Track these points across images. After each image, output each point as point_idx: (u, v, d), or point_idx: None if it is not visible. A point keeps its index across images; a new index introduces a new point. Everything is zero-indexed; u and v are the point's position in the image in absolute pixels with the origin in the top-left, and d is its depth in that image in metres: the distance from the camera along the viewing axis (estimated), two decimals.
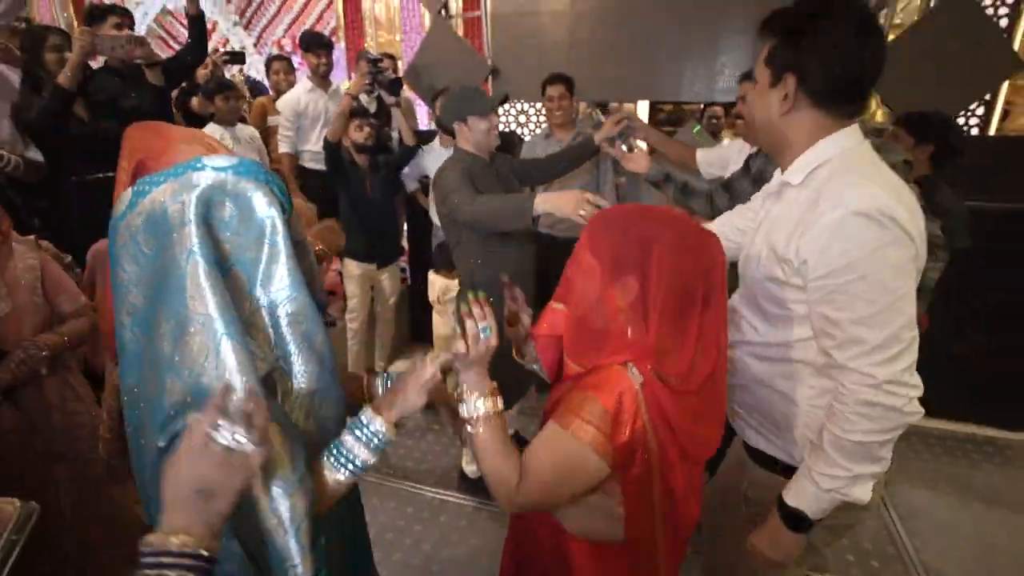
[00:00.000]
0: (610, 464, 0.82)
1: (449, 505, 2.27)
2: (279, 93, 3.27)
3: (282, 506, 0.69)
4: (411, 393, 0.84)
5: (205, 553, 0.57)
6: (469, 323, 0.85)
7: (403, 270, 3.70)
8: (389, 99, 2.93)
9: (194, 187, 0.70)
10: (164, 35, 5.98)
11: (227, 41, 5.50)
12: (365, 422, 0.81)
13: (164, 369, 0.69)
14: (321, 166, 3.00)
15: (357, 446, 0.80)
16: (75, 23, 4.84)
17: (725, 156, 2.16)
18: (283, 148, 3.06)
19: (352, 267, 2.78)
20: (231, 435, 0.58)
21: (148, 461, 0.72)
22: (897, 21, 3.43)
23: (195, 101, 2.98)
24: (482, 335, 0.84)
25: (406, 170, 3.03)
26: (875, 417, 0.87)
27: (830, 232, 0.88)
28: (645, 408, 0.81)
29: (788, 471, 1.04)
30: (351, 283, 2.82)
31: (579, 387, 0.86)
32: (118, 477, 1.38)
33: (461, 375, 0.88)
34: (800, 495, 0.96)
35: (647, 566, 0.93)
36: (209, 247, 0.69)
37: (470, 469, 2.35)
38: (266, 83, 4.29)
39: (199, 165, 0.73)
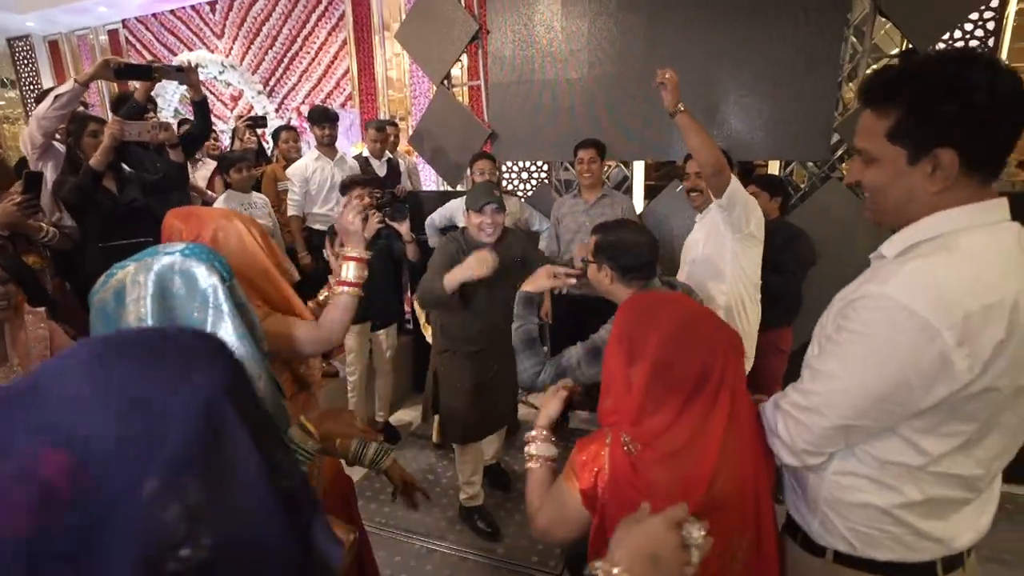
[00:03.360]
0: (587, 506, 0.97)
1: (436, 555, 2.33)
2: (288, 160, 3.55)
3: None
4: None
5: None
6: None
7: (408, 321, 3.86)
8: (399, 225, 2.88)
9: (150, 268, 0.88)
10: None
11: (251, 107, 5.93)
12: None
13: None
14: (326, 226, 3.22)
15: None
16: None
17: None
18: (292, 211, 3.30)
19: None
20: (696, 533, 0.67)
21: None
22: None
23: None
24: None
25: (435, 218, 3.20)
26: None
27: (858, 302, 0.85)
28: (608, 466, 0.94)
29: (809, 545, 0.99)
30: (349, 338, 2.96)
31: (579, 442, 1.02)
32: None
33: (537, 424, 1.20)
34: None
35: None
36: (159, 316, 0.86)
37: (462, 497, 2.50)
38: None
39: (158, 251, 0.92)
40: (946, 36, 2.99)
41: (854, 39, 2.90)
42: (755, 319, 2.14)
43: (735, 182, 1.87)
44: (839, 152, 3.01)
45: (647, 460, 0.91)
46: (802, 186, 3.14)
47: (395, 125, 4.11)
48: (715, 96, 2.99)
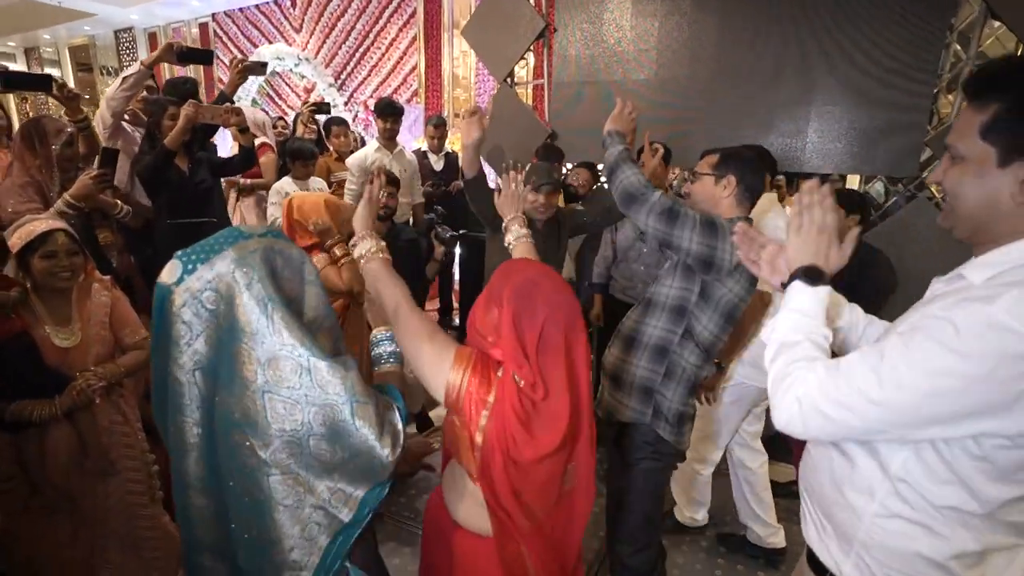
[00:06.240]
0: (450, 403, 1.01)
1: None
2: (338, 152, 3.67)
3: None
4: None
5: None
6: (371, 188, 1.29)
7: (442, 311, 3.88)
8: (438, 246, 3.15)
9: (253, 252, 0.85)
10: (271, 93, 6.78)
11: (323, 99, 6.14)
12: None
13: (257, 392, 0.83)
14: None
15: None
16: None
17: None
18: (348, 199, 3.35)
19: None
20: None
21: (235, 465, 0.86)
22: None
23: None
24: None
25: None
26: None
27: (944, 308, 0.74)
28: (494, 395, 0.98)
29: None
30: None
31: (482, 350, 1.04)
32: None
33: (354, 221, 1.24)
34: None
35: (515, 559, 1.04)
36: (279, 293, 0.85)
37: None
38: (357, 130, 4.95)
39: (247, 235, 0.89)
40: None
41: (957, 46, 2.64)
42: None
43: None
44: (929, 170, 2.75)
45: (528, 393, 0.97)
46: (881, 202, 2.89)
47: (443, 125, 4.09)
48: (789, 104, 2.80)
